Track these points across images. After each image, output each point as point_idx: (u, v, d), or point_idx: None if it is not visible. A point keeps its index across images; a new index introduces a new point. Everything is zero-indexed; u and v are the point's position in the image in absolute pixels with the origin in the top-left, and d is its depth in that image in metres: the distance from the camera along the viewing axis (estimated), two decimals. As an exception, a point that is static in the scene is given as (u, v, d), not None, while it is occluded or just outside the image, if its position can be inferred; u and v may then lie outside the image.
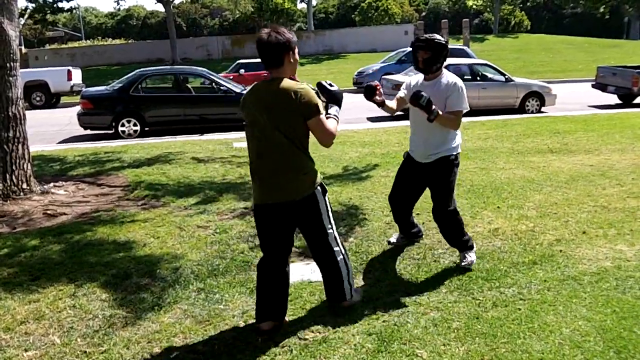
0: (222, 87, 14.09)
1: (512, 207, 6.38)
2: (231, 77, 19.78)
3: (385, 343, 3.67)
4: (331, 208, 3.95)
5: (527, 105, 15.85)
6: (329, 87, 4.00)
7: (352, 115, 15.83)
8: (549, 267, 4.79)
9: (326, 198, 3.91)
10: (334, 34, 46.32)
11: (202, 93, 14.35)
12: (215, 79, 14.54)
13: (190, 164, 9.24)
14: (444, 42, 4.63)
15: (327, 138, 3.73)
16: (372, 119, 15.20)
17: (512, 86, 15.92)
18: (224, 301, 4.33)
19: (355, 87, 23.84)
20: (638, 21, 61.15)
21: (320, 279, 4.63)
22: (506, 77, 16.03)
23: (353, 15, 62.50)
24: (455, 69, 15.92)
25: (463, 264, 4.79)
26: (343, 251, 4.03)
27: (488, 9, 66.10)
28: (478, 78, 16.01)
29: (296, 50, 3.82)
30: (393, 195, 5.18)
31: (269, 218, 3.79)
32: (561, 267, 4.77)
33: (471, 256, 4.85)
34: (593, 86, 18.67)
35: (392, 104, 5.04)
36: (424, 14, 75.05)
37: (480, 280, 4.52)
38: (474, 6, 67.48)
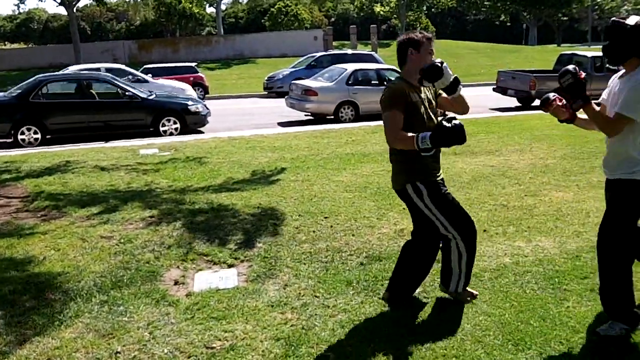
0: (127, 93, 13.70)
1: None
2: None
3: (293, 348, 3.67)
4: (433, 207, 3.96)
5: (434, 109, 16.32)
6: (445, 122, 3.72)
7: (262, 121, 15.83)
8: (452, 265, 4.93)
9: (424, 199, 3.96)
10: (244, 38, 46.15)
11: (106, 99, 13.85)
12: (121, 84, 14.13)
13: (94, 172, 8.93)
14: (629, 25, 3.53)
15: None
16: (283, 124, 15.22)
17: (419, 90, 16.33)
18: (128, 313, 4.20)
19: (266, 92, 23.83)
20: (536, 28, 64.39)
21: (228, 286, 4.61)
22: (412, 82, 16.42)
23: (263, 20, 62.50)
24: (363, 74, 16.25)
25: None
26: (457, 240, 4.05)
27: (395, 15, 67.69)
28: (385, 83, 16.34)
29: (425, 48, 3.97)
30: None
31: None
32: (463, 265, 4.92)
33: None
34: (494, 90, 19.49)
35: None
36: (333, 19, 76.08)
37: (386, 282, 4.57)
38: (382, 12, 68.94)
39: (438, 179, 4.04)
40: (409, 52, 3.93)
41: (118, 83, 14.03)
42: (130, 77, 18.82)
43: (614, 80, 3.83)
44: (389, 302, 4.24)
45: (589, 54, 19.69)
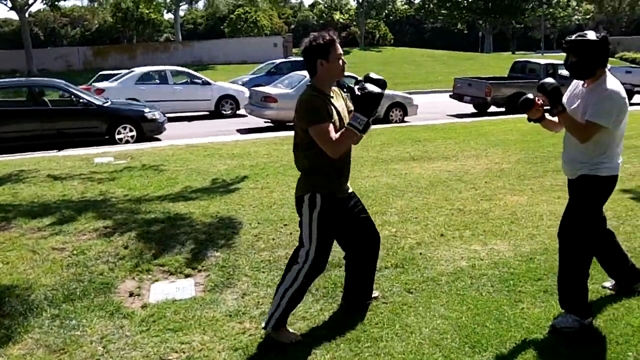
0: (82, 100, 13.44)
1: (376, 214, 6.55)
2: (93, 89, 18.96)
3: (251, 358, 3.63)
4: (315, 225, 3.76)
5: (391, 116, 16.46)
6: (357, 91, 3.55)
7: (221, 128, 15.71)
8: (410, 269, 4.97)
9: (313, 213, 3.75)
10: (202, 45, 45.82)
11: (60, 106, 13.54)
12: (75, 91, 13.85)
13: (46, 182, 8.71)
14: (593, 40, 3.74)
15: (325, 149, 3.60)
16: (241, 131, 15.14)
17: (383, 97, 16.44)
18: (81, 327, 4.09)
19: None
20: (491, 36, 65.59)
21: (185, 297, 4.53)
22: (372, 88, 16.53)
23: (222, 27, 62.19)
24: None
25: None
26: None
27: (354, 23, 68.23)
28: (344, 90, 16.38)
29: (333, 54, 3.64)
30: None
31: None
32: (421, 269, 4.96)
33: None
34: (451, 96, 19.79)
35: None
36: (293, 26, 76.21)
37: (344, 287, 4.60)
38: (341, 20, 69.46)
39: (342, 195, 3.87)
40: (318, 63, 3.62)
41: (72, 90, 13.76)
42: (188, 79, 19.05)
43: (578, 88, 4.01)
44: (347, 310, 4.24)
45: (542, 61, 20.17)
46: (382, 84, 3.67)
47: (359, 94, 3.53)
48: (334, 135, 3.56)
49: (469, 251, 5.42)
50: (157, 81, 18.87)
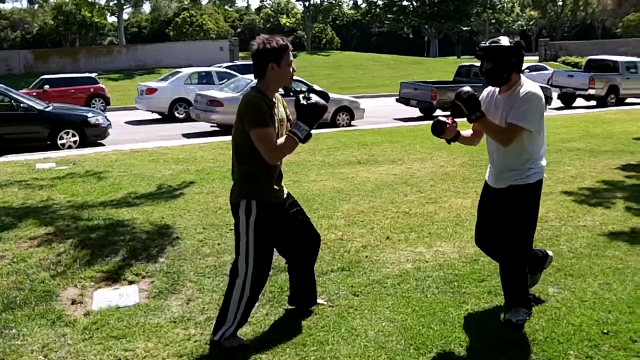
0: (22, 105, 13.06)
1: (323, 218, 6.59)
2: (34, 94, 18.45)
3: (196, 364, 3.59)
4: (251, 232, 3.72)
5: (338, 119, 16.57)
6: (303, 100, 3.57)
7: (166, 132, 15.50)
8: (356, 273, 5.00)
9: (249, 219, 3.70)
10: (147, 48, 45.05)
11: (-1, 111, 13.13)
12: (15, 95, 13.45)
13: (-16, 188, 8.43)
14: (507, 46, 3.81)
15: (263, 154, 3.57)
16: (188, 135, 14.98)
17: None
18: (21, 336, 3.98)
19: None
20: (437, 40, 66.72)
21: (129, 304, 4.46)
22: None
23: (167, 30, 61.37)
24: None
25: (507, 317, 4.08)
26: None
27: (301, 27, 68.36)
28: (291, 94, 16.37)
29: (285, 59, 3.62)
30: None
31: None
32: (367, 272, 5.00)
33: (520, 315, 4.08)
34: (397, 100, 20.03)
35: (468, 132, 4.28)
36: (239, 30, 75.79)
37: (291, 291, 4.60)
38: (288, 24, 69.47)
39: (278, 200, 3.82)
40: (269, 67, 3.57)
41: (12, 94, 13.35)
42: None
43: (494, 96, 4.04)
44: (293, 313, 4.24)
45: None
46: (326, 97, 3.70)
47: (304, 103, 3.54)
48: (277, 140, 3.55)
49: (414, 253, 5.49)
50: (204, 81, 19.44)
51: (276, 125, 3.62)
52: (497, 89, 4.01)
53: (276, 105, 3.70)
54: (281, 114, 3.75)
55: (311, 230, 4.12)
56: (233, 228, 6.08)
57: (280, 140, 3.58)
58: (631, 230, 6.12)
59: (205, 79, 19.64)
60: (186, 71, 20.25)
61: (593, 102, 22.08)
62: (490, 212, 4.19)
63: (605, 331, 3.91)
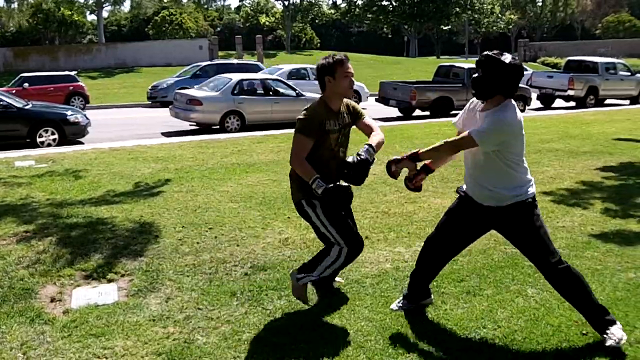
0: (1, 102, 12.90)
1: (302, 219, 6.59)
2: (13, 92, 18.22)
3: (175, 362, 3.60)
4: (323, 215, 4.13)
5: (319, 119, 16.54)
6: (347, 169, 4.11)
7: (146, 131, 15.41)
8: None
9: (316, 210, 4.14)
10: (126, 47, 44.67)
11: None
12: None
13: (-40, 186, 8.32)
14: (505, 62, 3.61)
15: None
16: (167, 134, 14.90)
17: (303, 100, 16.50)
18: (0, 334, 3.95)
19: (150, 102, 23.24)
20: (416, 40, 67.04)
21: (108, 302, 4.45)
22: (297, 92, 16.64)
23: (147, 29, 60.87)
24: (249, 84, 16.26)
25: (607, 344, 3.75)
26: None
27: (280, 26, 68.23)
28: (270, 93, 16.44)
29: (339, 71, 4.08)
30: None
31: None
32: (346, 272, 5.01)
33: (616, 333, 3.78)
34: (377, 100, 20.09)
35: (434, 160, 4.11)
36: (219, 29, 75.43)
37: (270, 291, 4.62)
38: (267, 23, 69.30)
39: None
40: (326, 80, 4.06)
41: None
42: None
43: (476, 111, 3.84)
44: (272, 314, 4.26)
45: (466, 65, 20.74)
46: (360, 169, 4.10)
47: (331, 187, 3.92)
48: (303, 155, 4.03)
49: (393, 253, 5.53)
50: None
51: (332, 133, 4.11)
52: (480, 103, 3.78)
53: (338, 114, 4.18)
54: (342, 122, 4.19)
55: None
56: (212, 227, 6.11)
57: (308, 166, 4.01)
58: (610, 232, 6.20)
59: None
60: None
61: (572, 103, 22.31)
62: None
63: (584, 332, 3.95)
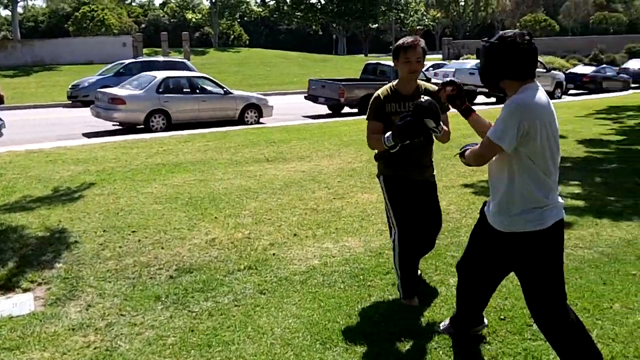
0: None
1: (229, 217, 6.51)
2: None
3: (95, 372, 3.45)
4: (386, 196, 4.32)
5: (246, 117, 16.42)
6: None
7: (66, 132, 14.85)
8: (263, 271, 4.97)
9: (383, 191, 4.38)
10: (45, 44, 42.94)
11: None
12: None
13: None
14: (493, 42, 3.07)
15: None
16: (88, 135, 14.41)
17: (231, 99, 16.38)
18: None
19: (70, 101, 22.46)
20: (344, 38, 67.56)
21: (23, 312, 4.24)
22: (225, 89, 16.44)
23: (66, 25, 58.87)
24: (175, 82, 15.93)
25: None
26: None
27: (208, 23, 67.42)
28: (197, 91, 16.16)
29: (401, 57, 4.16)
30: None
31: None
32: (274, 270, 4.98)
33: None
34: (306, 98, 20.11)
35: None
36: (143, 25, 73.82)
37: (196, 293, 4.52)
38: (194, 19, 68.33)
39: (406, 174, 4.23)
40: (394, 63, 4.24)
41: None
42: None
43: None
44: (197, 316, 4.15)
45: (392, 63, 21.03)
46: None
47: (399, 123, 3.79)
48: (372, 134, 4.21)
49: (321, 249, 5.52)
50: None
51: (396, 116, 3.96)
52: None
53: (408, 96, 4.16)
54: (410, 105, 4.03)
55: (435, 216, 4.41)
56: (135, 230, 5.96)
57: (378, 136, 4.10)
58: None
59: None
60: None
61: (493, 99, 23.00)
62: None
63: (502, 317, 4.05)
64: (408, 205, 4.26)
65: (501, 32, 3.11)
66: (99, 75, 23.39)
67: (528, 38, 3.00)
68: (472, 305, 3.68)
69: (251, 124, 16.22)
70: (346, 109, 19.05)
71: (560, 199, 3.18)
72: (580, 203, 7.11)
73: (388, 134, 3.96)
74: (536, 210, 3.08)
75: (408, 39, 4.17)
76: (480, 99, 23.32)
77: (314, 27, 72.13)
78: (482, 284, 3.56)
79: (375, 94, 4.27)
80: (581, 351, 3.18)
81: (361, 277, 4.83)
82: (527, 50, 2.98)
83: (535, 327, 3.57)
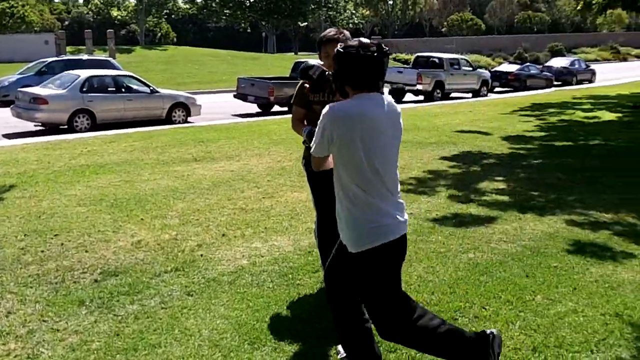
0: None
1: (156, 218, 6.41)
2: None
3: (15, 381, 3.35)
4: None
5: (174, 116, 16.16)
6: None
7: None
8: (190, 272, 4.93)
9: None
10: (-40, 41, 41.08)
11: None
12: None
13: None
14: (338, 49, 3.00)
15: None
16: (9, 136, 13.87)
17: (158, 97, 16.09)
18: None
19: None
20: (274, 36, 67.41)
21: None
22: (151, 88, 16.14)
23: (-16, 22, 56.39)
24: (99, 81, 15.53)
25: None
26: None
27: (134, 20, 65.95)
28: (123, 90, 15.79)
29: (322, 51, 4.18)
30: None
31: None
32: (202, 271, 4.95)
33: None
34: (235, 96, 19.96)
35: None
36: (67, 22, 71.50)
37: (121, 296, 4.44)
38: (119, 17, 66.70)
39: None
40: (318, 54, 4.28)
41: None
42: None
43: None
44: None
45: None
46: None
47: (309, 129, 3.64)
48: (295, 120, 4.34)
49: (250, 249, 5.52)
50: None
51: (318, 105, 3.93)
52: None
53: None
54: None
55: None
56: (58, 234, 5.80)
57: (299, 122, 4.27)
58: (453, 216, 6.60)
59: None
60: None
61: (421, 97, 23.50)
62: None
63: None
64: (328, 190, 4.26)
65: (355, 39, 3.07)
66: (20, 74, 22.49)
67: (374, 49, 2.91)
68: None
69: (179, 123, 15.97)
70: (276, 108, 19.03)
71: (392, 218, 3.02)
72: (505, 198, 7.39)
73: (305, 128, 3.72)
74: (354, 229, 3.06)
75: (330, 32, 4.19)
76: (408, 96, 23.76)
77: (242, 24, 71.62)
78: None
79: (301, 84, 4.32)
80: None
81: (290, 276, 4.86)
82: (367, 61, 2.90)
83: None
